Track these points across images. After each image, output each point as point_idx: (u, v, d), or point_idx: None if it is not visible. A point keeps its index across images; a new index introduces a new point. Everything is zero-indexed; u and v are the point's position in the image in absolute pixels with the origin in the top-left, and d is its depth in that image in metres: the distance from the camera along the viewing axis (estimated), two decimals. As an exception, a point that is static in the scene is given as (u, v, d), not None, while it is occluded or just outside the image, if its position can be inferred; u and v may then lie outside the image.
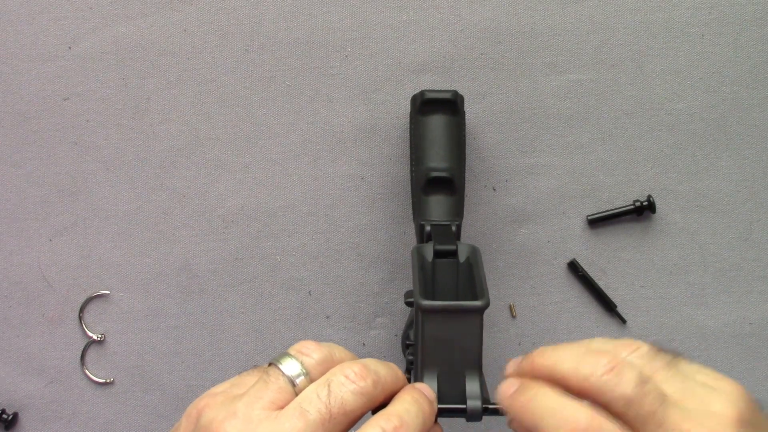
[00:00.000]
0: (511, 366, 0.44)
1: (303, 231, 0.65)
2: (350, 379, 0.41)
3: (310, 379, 0.42)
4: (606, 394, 0.38)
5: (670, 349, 0.41)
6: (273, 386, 0.41)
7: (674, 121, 0.65)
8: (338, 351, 0.44)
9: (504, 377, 0.44)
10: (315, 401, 0.40)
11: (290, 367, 0.42)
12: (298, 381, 0.41)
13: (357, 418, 0.41)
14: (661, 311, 0.66)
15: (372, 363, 0.43)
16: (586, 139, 0.65)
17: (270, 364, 0.42)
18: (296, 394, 0.41)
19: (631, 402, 0.37)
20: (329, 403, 0.40)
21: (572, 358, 0.40)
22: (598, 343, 0.41)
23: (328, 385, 0.40)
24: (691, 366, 0.40)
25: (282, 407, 0.40)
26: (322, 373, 0.42)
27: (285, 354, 0.42)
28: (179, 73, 0.64)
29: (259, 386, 0.41)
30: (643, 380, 0.38)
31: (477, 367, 0.46)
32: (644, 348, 0.40)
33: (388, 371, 0.43)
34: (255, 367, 0.45)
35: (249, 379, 0.43)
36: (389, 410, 0.41)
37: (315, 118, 0.64)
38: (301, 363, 0.42)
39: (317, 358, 0.42)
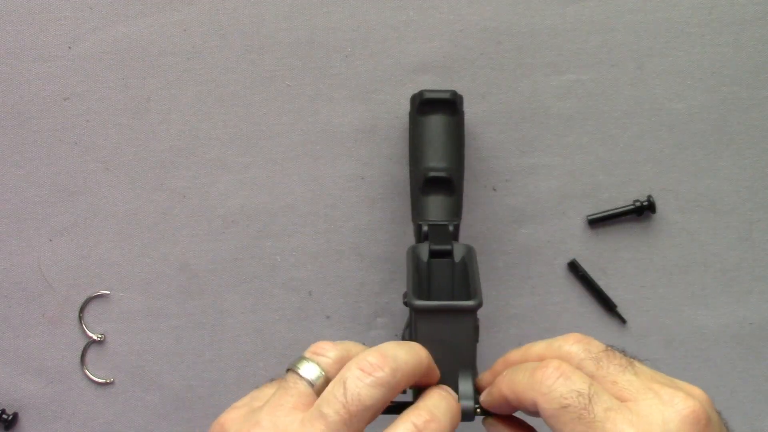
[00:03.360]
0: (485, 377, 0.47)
1: (303, 231, 0.65)
2: (366, 372, 0.40)
3: (328, 378, 0.41)
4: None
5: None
6: (293, 391, 0.41)
7: (674, 121, 0.65)
8: (354, 348, 0.43)
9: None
10: (333, 402, 0.39)
11: (307, 369, 0.41)
12: (317, 382, 0.41)
13: (379, 410, 0.40)
14: (661, 311, 0.65)
15: (391, 348, 0.41)
16: (586, 139, 0.65)
17: (288, 371, 0.42)
18: (317, 395, 0.41)
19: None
20: (347, 402, 0.39)
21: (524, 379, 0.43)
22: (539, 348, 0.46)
23: (344, 383, 0.40)
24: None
25: (304, 411, 0.40)
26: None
27: (301, 358, 0.42)
28: (179, 73, 0.64)
29: (279, 394, 0.41)
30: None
31: (471, 366, 0.46)
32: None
33: (408, 354, 0.42)
34: (272, 380, 0.45)
35: (268, 390, 0.43)
36: (418, 405, 0.41)
37: (315, 118, 0.64)
38: (318, 363, 0.42)
39: (333, 357, 0.42)
